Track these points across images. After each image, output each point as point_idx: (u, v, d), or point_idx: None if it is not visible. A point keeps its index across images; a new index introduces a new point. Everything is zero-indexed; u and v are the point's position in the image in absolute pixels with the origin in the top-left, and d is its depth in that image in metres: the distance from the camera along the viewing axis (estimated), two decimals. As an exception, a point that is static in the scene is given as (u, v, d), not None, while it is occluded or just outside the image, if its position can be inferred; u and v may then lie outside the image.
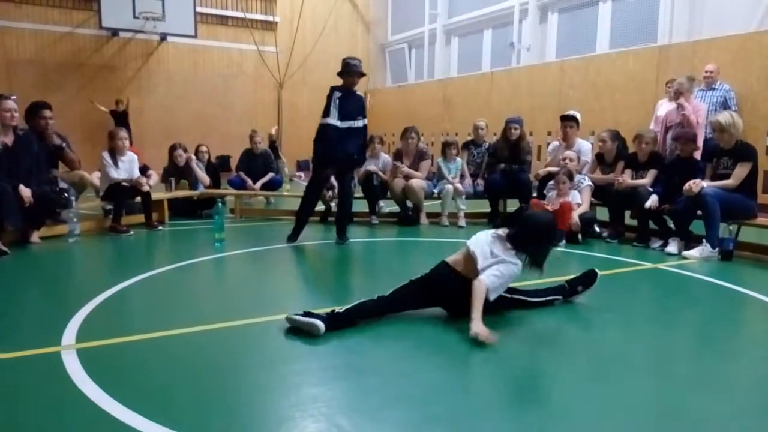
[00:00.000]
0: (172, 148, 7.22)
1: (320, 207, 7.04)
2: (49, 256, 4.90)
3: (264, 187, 8.03)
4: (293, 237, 5.48)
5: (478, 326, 2.75)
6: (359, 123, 5.34)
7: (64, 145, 5.86)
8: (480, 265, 3.01)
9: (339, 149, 5.27)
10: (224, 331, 2.97)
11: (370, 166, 6.91)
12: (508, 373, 2.54)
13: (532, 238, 3.09)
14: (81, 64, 13.50)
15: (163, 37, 13.95)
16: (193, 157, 7.36)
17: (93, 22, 13.26)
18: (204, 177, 7.33)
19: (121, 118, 12.52)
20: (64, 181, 5.68)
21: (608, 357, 2.70)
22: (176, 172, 7.09)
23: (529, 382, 2.42)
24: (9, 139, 4.90)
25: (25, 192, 4.82)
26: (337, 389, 2.29)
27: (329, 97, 5.28)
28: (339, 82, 5.38)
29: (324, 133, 5.27)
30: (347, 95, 5.31)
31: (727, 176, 4.95)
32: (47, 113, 5.65)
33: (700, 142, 6.00)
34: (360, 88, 5.57)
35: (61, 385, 2.24)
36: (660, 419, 2.08)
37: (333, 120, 5.22)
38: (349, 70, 5.32)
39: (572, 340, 3.02)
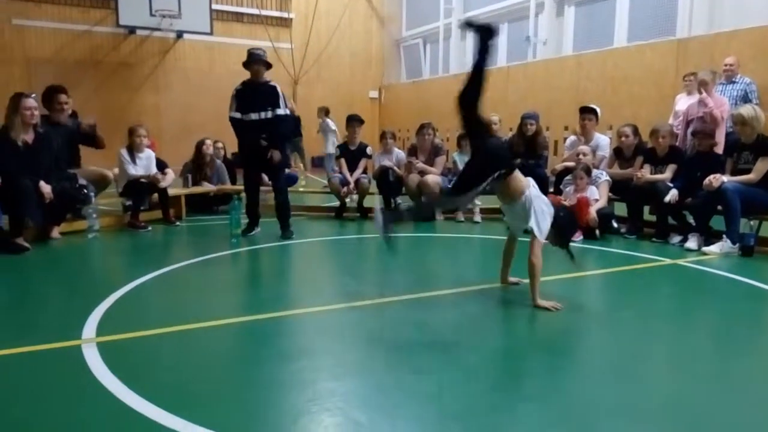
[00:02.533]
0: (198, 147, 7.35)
1: (335, 203, 7.07)
2: (69, 252, 4.97)
3: (279, 183, 8.05)
4: (247, 231, 5.57)
5: (541, 303, 3.22)
6: (267, 115, 5.31)
7: (91, 125, 5.97)
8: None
9: (246, 142, 5.41)
10: (241, 325, 2.99)
11: (385, 161, 6.90)
12: (524, 372, 2.52)
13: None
14: (99, 62, 13.64)
15: (180, 34, 14.03)
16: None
17: (110, 20, 13.38)
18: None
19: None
20: (85, 178, 5.76)
21: (627, 355, 2.68)
22: (198, 169, 7.22)
23: (547, 380, 2.40)
24: (30, 137, 4.97)
25: (46, 188, 4.89)
26: (353, 385, 2.30)
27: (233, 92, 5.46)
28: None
29: (233, 125, 5.48)
30: (251, 87, 5.38)
31: (747, 171, 4.87)
32: (62, 98, 5.68)
33: (721, 137, 5.90)
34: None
35: (82, 378, 2.28)
36: (679, 417, 2.06)
37: (233, 113, 5.41)
38: (251, 60, 5.37)
39: (590, 338, 2.99)
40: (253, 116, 5.34)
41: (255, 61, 5.37)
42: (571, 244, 3.59)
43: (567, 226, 3.49)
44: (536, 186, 3.41)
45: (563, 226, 3.42)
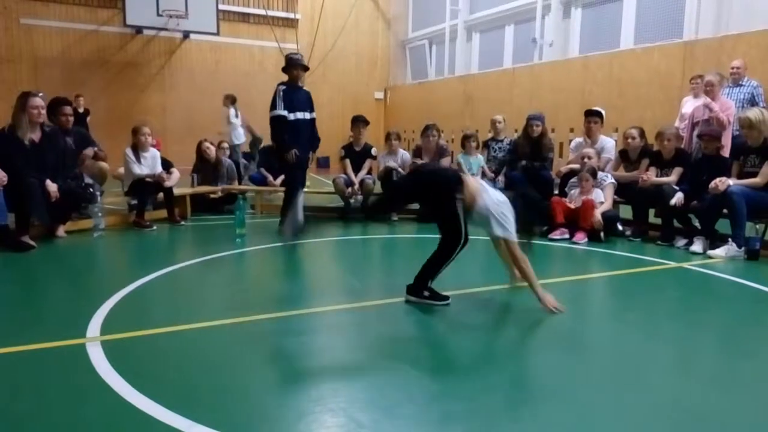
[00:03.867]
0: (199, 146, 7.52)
1: (339, 203, 7.08)
2: (74, 250, 4.99)
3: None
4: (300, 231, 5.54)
5: (545, 297, 3.17)
6: (308, 116, 5.70)
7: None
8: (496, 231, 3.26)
9: (291, 139, 5.56)
10: (245, 325, 3.00)
11: (390, 162, 6.90)
12: (527, 374, 2.52)
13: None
14: (106, 62, 13.70)
15: (186, 34, 14.09)
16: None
17: (117, 20, 13.45)
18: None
19: (81, 121, 9.76)
20: (86, 174, 5.80)
21: (631, 357, 2.67)
22: (205, 169, 7.33)
23: (550, 382, 2.40)
24: (36, 136, 5.00)
25: (52, 187, 4.91)
26: (356, 385, 2.30)
27: (275, 92, 5.60)
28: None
29: (277, 124, 5.57)
30: (292, 89, 5.62)
31: (754, 174, 4.85)
32: (67, 110, 5.78)
33: (728, 140, 5.88)
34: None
35: (86, 376, 2.29)
36: (681, 419, 2.05)
37: (281, 111, 5.52)
38: (293, 63, 5.62)
39: (594, 341, 2.98)
40: (299, 115, 5.60)
41: (294, 65, 5.63)
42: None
43: (527, 211, 3.34)
44: (489, 189, 3.31)
45: (523, 213, 3.29)
